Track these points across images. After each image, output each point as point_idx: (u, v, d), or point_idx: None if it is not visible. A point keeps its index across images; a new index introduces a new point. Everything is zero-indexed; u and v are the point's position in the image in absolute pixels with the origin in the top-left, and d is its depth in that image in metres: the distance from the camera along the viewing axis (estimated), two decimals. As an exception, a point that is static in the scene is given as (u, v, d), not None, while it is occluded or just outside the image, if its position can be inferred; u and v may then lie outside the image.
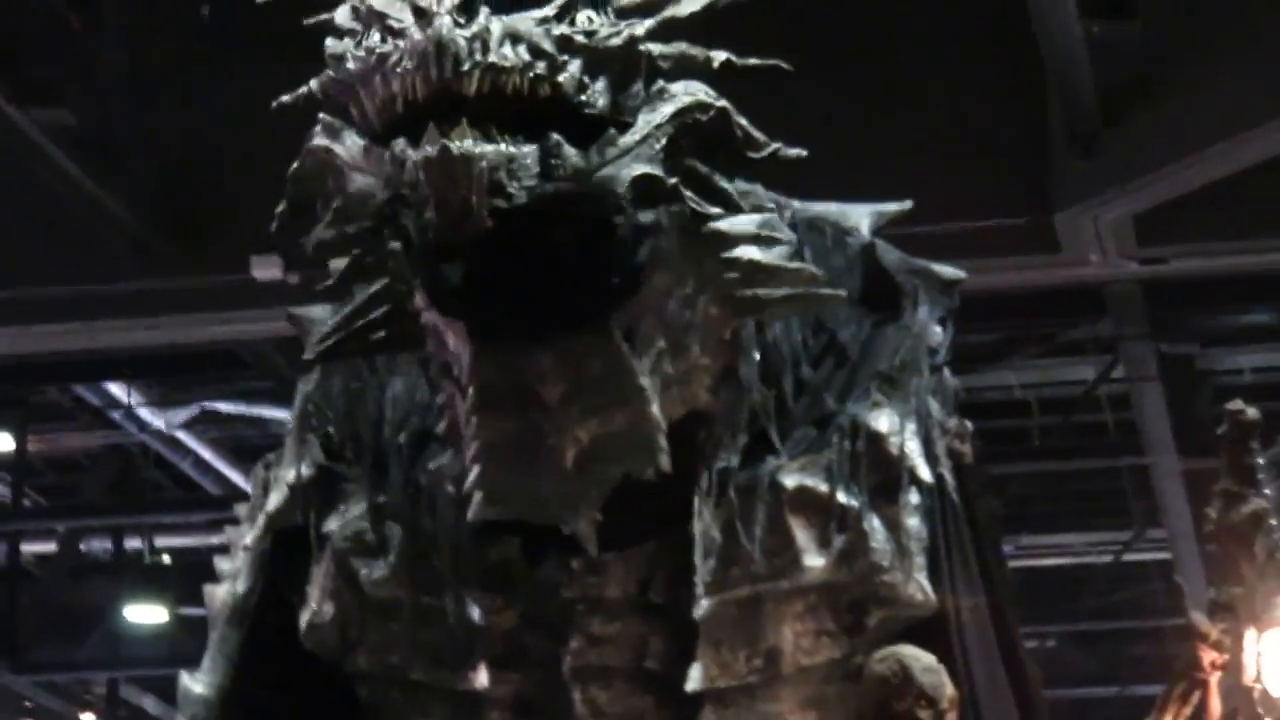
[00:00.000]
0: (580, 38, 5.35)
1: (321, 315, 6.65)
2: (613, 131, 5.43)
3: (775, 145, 5.89)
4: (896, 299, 6.79)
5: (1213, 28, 12.44)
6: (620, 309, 5.64)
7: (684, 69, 5.74)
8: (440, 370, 5.76)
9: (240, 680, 6.71)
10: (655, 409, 5.81)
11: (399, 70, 5.22)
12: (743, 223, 5.98)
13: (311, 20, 6.11)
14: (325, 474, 6.58)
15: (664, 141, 5.55)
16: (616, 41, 5.45)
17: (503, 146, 5.18)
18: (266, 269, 13.42)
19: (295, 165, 5.62)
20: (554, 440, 5.73)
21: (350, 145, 5.45)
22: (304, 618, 6.45)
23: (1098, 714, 20.27)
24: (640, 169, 5.39)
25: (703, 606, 6.25)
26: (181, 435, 18.94)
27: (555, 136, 5.24)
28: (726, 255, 5.88)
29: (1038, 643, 17.60)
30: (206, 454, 19.13)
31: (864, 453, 6.40)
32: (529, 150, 5.22)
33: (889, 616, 6.30)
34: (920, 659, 5.90)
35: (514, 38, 5.23)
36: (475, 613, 6.40)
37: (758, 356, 6.37)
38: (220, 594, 6.86)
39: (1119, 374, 16.91)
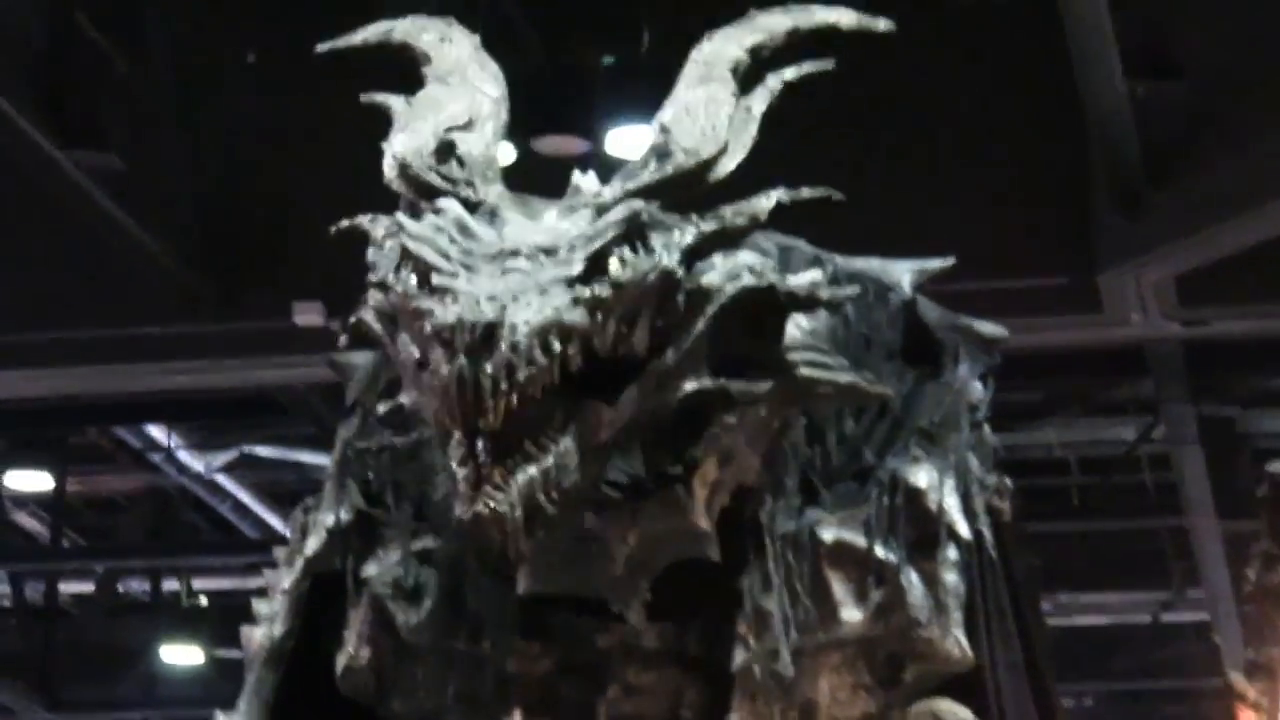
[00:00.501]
0: (611, 293, 5.44)
1: (363, 361, 6.79)
2: (654, 364, 5.61)
3: (819, 296, 6.04)
4: (937, 355, 6.84)
5: (1259, 88, 12.50)
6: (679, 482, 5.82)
7: (729, 239, 5.82)
8: None
9: None
10: (705, 521, 5.99)
11: (435, 326, 5.40)
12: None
13: (331, 46, 6.54)
14: (364, 519, 6.57)
15: (706, 347, 5.70)
16: (653, 280, 5.53)
17: (533, 471, 5.30)
18: (308, 315, 13.50)
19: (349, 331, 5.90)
20: (604, 540, 5.93)
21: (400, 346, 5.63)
22: (340, 662, 6.45)
23: None
24: (689, 387, 5.60)
25: (740, 658, 6.20)
26: (220, 479, 19.00)
27: (592, 407, 5.48)
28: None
29: (1075, 702, 17.58)
30: (245, 497, 19.36)
31: (902, 508, 6.42)
32: (566, 449, 5.39)
33: (926, 671, 6.34)
34: (957, 714, 5.98)
35: (543, 332, 5.27)
36: (511, 661, 6.37)
37: (803, 421, 6.41)
38: (257, 636, 6.89)
39: (1159, 435, 17.02)
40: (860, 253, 6.82)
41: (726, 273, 5.75)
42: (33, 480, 19.58)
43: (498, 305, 5.27)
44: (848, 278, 6.63)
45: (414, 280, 5.47)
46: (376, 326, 5.80)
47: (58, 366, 15.55)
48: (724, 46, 6.18)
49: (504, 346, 5.20)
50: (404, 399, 5.90)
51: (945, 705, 6.01)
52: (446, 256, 5.49)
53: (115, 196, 13.90)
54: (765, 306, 5.90)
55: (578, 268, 5.42)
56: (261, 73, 13.93)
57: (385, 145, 5.93)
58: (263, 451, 18.58)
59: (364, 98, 6.20)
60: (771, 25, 6.17)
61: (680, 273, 5.63)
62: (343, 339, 6.53)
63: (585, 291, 5.38)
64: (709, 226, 5.74)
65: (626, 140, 12.56)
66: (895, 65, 11.67)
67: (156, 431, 18.64)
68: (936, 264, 6.88)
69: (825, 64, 6.02)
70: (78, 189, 13.73)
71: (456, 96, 6.30)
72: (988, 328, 6.88)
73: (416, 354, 5.46)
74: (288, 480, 18.46)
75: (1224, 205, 12.71)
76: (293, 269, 13.96)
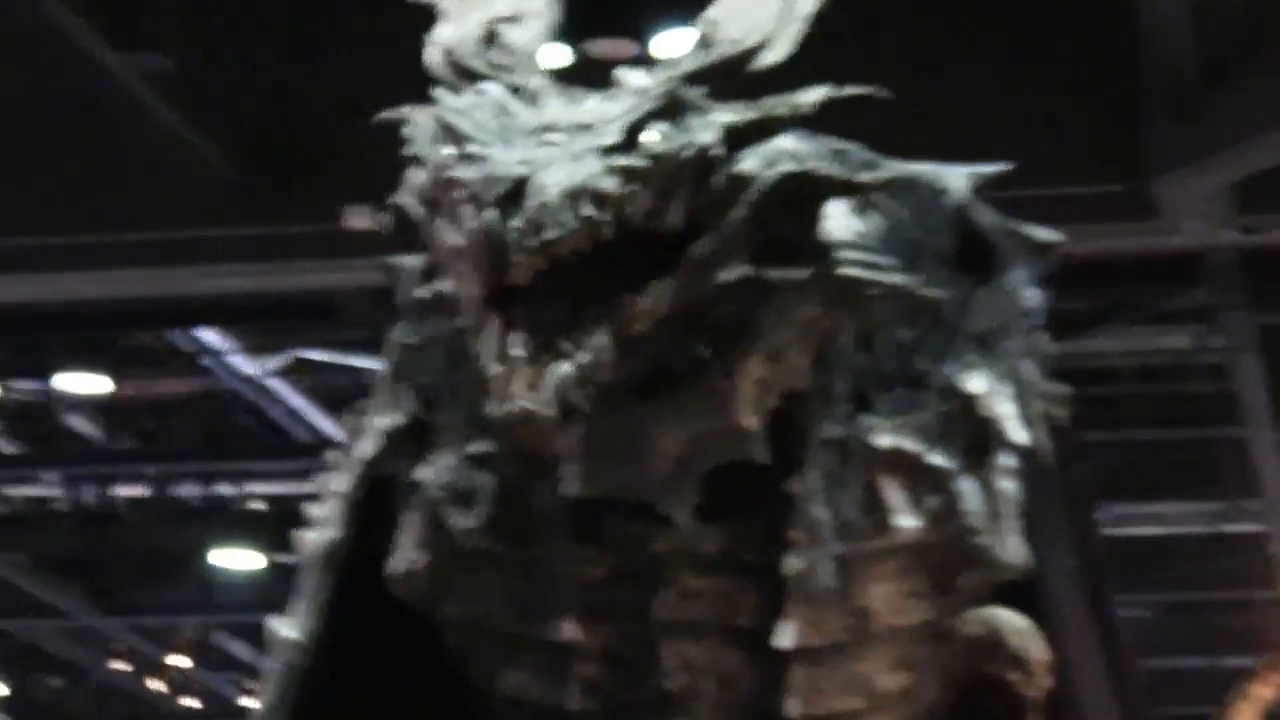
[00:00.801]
0: (645, 163, 5.52)
1: (415, 264, 6.71)
2: (691, 250, 5.69)
3: (864, 181, 6.08)
4: (992, 261, 6.78)
5: None
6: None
7: (770, 129, 5.86)
8: None
9: (330, 626, 6.79)
10: (752, 420, 6.04)
11: (466, 232, 5.54)
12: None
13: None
14: (419, 422, 6.60)
15: (745, 235, 5.79)
16: (688, 154, 5.63)
17: (566, 367, 5.47)
18: (359, 218, 13.61)
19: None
20: (648, 440, 6.02)
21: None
22: (392, 566, 6.48)
23: (1190, 684, 20.42)
24: (727, 276, 5.72)
25: (792, 564, 6.24)
26: (273, 383, 19.07)
27: (627, 299, 5.56)
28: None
29: (1129, 612, 17.73)
30: (297, 401, 19.35)
31: (958, 414, 6.30)
32: (600, 343, 5.55)
33: (981, 579, 6.27)
34: (1013, 622, 5.92)
35: (573, 195, 5.37)
36: (565, 565, 6.30)
37: (854, 327, 6.48)
38: (311, 540, 6.93)
39: (1216, 344, 16.96)
40: (911, 159, 6.78)
41: (766, 159, 5.89)
42: (87, 383, 19.41)
43: (529, 167, 5.42)
44: (903, 182, 6.71)
45: (452, 150, 5.61)
46: (416, 209, 5.85)
47: (109, 269, 15.63)
48: None
49: (533, 203, 5.37)
50: (444, 286, 6.15)
51: (1002, 613, 6.00)
52: (483, 129, 5.66)
53: (165, 98, 14.23)
54: (808, 195, 6.02)
55: (613, 138, 5.53)
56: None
57: (430, 36, 6.02)
58: (315, 355, 18.69)
59: None
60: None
61: (719, 151, 5.74)
62: (384, 224, 6.31)
63: (619, 160, 5.49)
64: (750, 114, 5.84)
65: (674, 43, 12.58)
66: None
67: (210, 335, 18.48)
68: (992, 169, 6.82)
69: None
70: (128, 91, 14.05)
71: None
72: (1043, 233, 6.81)
73: (453, 232, 5.63)
74: (341, 384, 18.47)
75: (1273, 123, 12.82)
76: (344, 172, 14.11)
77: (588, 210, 5.35)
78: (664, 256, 5.61)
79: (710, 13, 5.90)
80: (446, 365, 6.67)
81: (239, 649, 24.52)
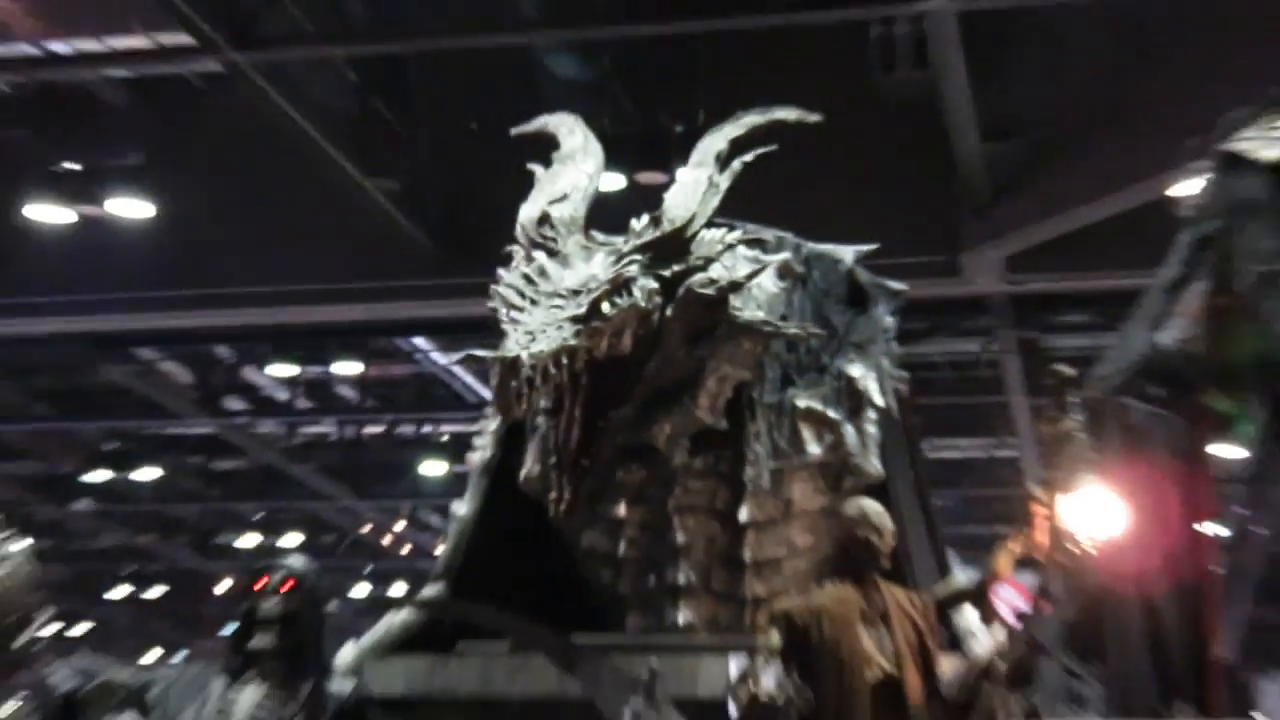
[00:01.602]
0: (601, 324, 5.45)
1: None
2: (648, 368, 5.71)
3: (740, 282, 5.98)
4: (866, 300, 6.86)
5: (1055, 149, 12.65)
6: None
7: (690, 274, 5.87)
8: None
9: (485, 507, 6.95)
10: (710, 415, 6.09)
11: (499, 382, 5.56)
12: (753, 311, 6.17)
13: (516, 131, 7.11)
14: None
15: (680, 343, 5.82)
16: (628, 315, 5.55)
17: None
18: None
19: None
20: (658, 423, 6.04)
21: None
22: (522, 473, 6.54)
23: (976, 545, 19.86)
24: (676, 369, 5.90)
25: (749, 473, 6.33)
26: (455, 369, 18.77)
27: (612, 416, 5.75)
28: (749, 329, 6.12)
29: (940, 500, 17.24)
30: (471, 380, 18.97)
31: (844, 388, 6.51)
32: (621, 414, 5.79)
33: (856, 482, 6.36)
34: (873, 506, 5.78)
35: (551, 356, 5.33)
36: (620, 473, 6.34)
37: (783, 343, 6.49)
38: (475, 458, 7.08)
39: (993, 348, 16.68)
40: (816, 241, 6.94)
41: (690, 285, 5.78)
42: (348, 368, 19.19)
43: (528, 340, 5.37)
44: (814, 255, 6.75)
45: (503, 309, 5.67)
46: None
47: (363, 303, 15.23)
48: (714, 140, 6.33)
49: (523, 372, 5.31)
50: None
51: (867, 501, 5.86)
52: (521, 295, 5.62)
53: (393, 201, 13.92)
54: (713, 301, 5.85)
55: (583, 310, 5.46)
56: (480, 132, 13.77)
57: (520, 209, 6.27)
58: (479, 352, 18.38)
59: (529, 166, 6.64)
60: (748, 122, 6.31)
61: (651, 305, 5.61)
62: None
63: (583, 326, 5.41)
64: (677, 268, 5.74)
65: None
66: (829, 132, 11.78)
67: (419, 340, 18.32)
68: (866, 248, 7.02)
69: (770, 147, 6.28)
70: (372, 201, 13.77)
71: (565, 174, 6.39)
72: (895, 284, 6.99)
73: None
74: None
75: (1035, 215, 12.92)
76: (496, 244, 13.98)
77: (564, 360, 5.31)
78: (633, 359, 5.60)
79: (668, 192, 5.98)
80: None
81: (435, 520, 23.79)
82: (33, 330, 16.23)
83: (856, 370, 6.38)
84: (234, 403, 20.14)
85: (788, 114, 6.43)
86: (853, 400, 6.37)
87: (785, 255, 6.31)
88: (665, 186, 12.77)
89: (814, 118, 6.43)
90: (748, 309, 5.98)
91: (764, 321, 6.07)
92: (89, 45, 13.45)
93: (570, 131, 6.61)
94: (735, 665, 5.46)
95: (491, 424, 6.94)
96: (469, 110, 13.92)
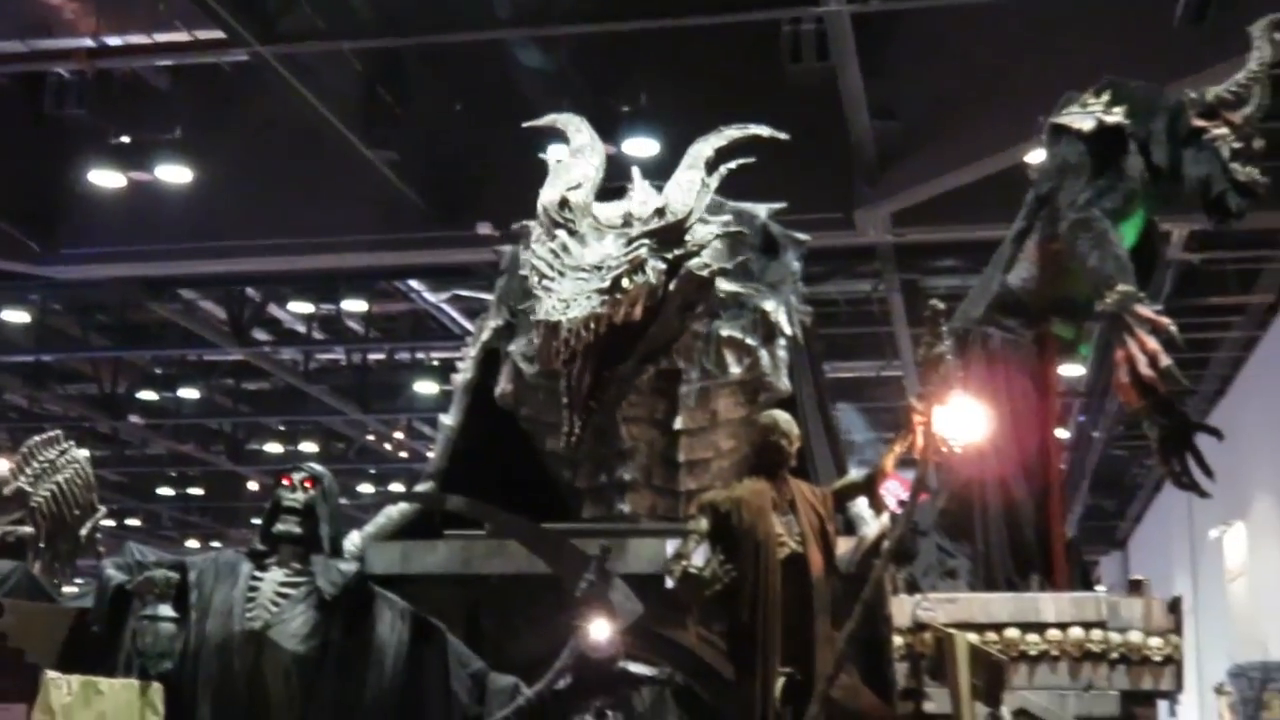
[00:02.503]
0: (621, 296, 5.51)
1: (510, 250, 6.88)
2: (645, 336, 5.79)
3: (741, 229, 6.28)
4: (777, 248, 6.83)
5: (934, 124, 12.77)
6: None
7: (687, 258, 5.92)
8: None
9: (467, 418, 7.05)
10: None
11: (539, 313, 5.58)
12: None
13: (529, 124, 6.90)
14: (508, 323, 6.72)
15: (675, 314, 5.97)
16: (644, 291, 5.61)
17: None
18: (485, 227, 13.41)
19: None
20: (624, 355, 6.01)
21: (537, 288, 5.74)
22: (497, 390, 6.68)
23: (868, 450, 20.01)
24: (667, 332, 6.03)
25: (683, 390, 6.39)
26: (446, 306, 18.72)
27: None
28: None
29: (838, 413, 17.40)
30: (457, 315, 18.91)
31: (760, 320, 6.53)
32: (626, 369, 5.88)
33: (769, 397, 6.42)
34: (783, 415, 5.87)
35: (584, 320, 5.41)
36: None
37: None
38: (459, 379, 7.15)
39: (881, 287, 16.72)
40: (742, 201, 6.86)
41: (690, 267, 5.89)
42: (355, 305, 19.20)
43: (564, 306, 5.45)
44: (737, 212, 6.66)
45: (536, 277, 5.68)
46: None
47: (367, 251, 15.28)
48: (703, 147, 6.32)
49: (562, 333, 5.39)
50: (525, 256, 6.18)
51: (778, 411, 5.95)
52: (550, 267, 5.66)
53: (392, 169, 13.84)
54: (702, 283, 6.09)
55: (606, 283, 5.53)
56: (463, 112, 13.74)
57: (541, 191, 6.11)
58: (465, 293, 18.24)
59: (543, 155, 6.51)
60: (729, 134, 6.29)
61: (658, 281, 5.71)
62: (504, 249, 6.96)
63: (608, 297, 5.51)
64: (678, 251, 5.83)
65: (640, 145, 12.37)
66: (748, 110, 11.73)
67: (413, 282, 18.23)
68: (777, 206, 7.02)
69: (749, 159, 6.29)
70: (376, 171, 13.77)
71: (578, 166, 6.29)
72: (800, 235, 6.97)
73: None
74: (474, 306, 18.18)
75: (914, 179, 13.05)
76: (478, 204, 13.92)
77: (593, 325, 5.41)
78: (638, 324, 5.67)
79: (669, 186, 6.02)
80: (521, 295, 6.49)
81: (427, 430, 23.78)
82: (93, 275, 16.37)
83: (770, 305, 6.41)
84: (260, 334, 19.96)
85: (760, 130, 6.38)
86: (766, 330, 6.41)
87: (742, 228, 6.41)
88: (614, 158, 12.68)
89: (783, 136, 6.40)
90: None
91: (737, 294, 6.31)
92: (138, 39, 13.38)
93: (578, 130, 6.49)
94: (671, 546, 5.52)
95: (472, 351, 6.96)
96: (455, 94, 13.79)
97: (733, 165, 6.18)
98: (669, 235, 5.75)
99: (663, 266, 5.66)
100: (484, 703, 5.63)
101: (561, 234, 5.68)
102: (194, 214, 14.74)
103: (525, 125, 6.89)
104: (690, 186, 5.94)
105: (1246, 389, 20.67)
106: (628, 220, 5.89)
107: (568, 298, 5.38)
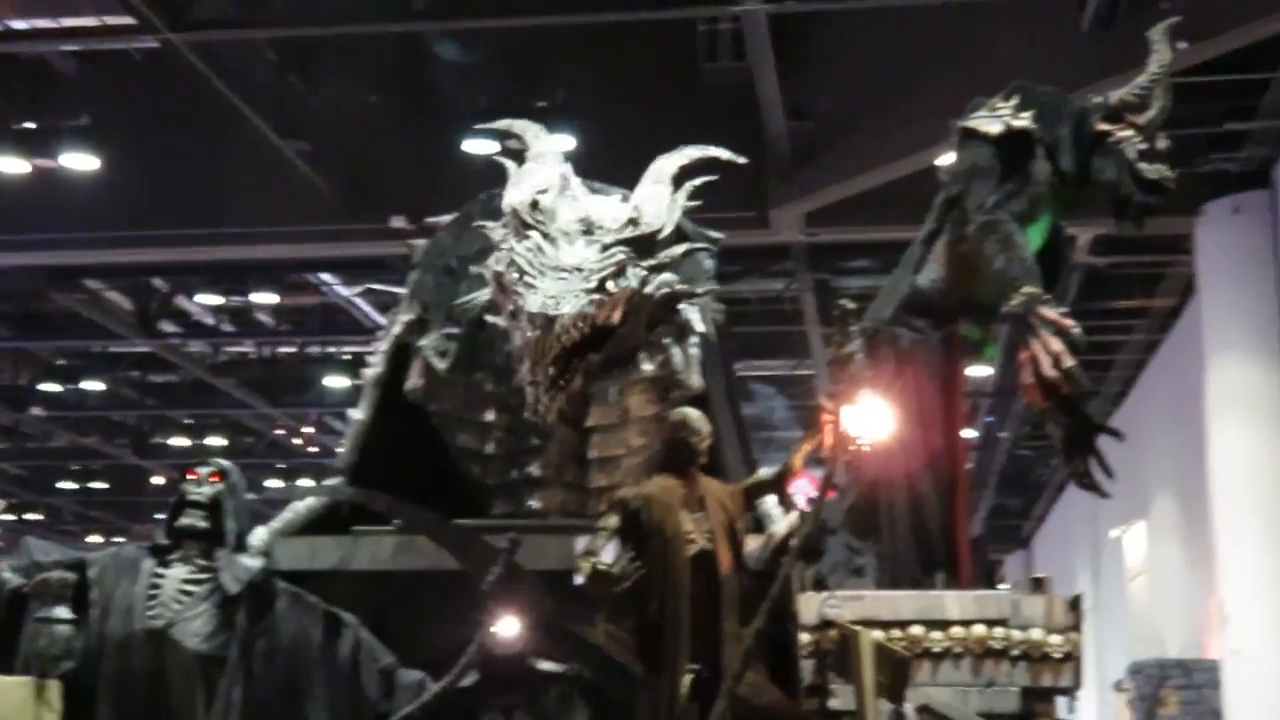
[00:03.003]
0: (606, 299, 5.63)
1: (423, 244, 6.83)
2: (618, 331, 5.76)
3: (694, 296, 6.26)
4: (694, 246, 6.80)
5: (848, 126, 12.93)
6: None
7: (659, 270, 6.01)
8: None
9: (377, 413, 6.93)
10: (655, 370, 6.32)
11: (530, 301, 5.63)
12: None
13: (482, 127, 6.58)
14: (420, 318, 6.63)
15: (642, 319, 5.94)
16: (627, 295, 5.70)
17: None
18: (399, 221, 13.36)
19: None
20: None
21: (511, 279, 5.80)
22: (407, 385, 6.59)
23: (780, 445, 20.22)
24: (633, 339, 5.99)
25: (595, 386, 6.25)
26: (358, 300, 18.59)
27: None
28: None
29: (747, 410, 17.58)
30: (367, 308, 18.79)
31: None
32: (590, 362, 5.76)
33: (681, 395, 6.33)
34: (694, 413, 5.82)
35: (574, 318, 5.54)
36: (488, 383, 6.39)
37: None
38: (369, 373, 7.09)
39: (793, 286, 16.91)
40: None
41: (656, 285, 5.95)
42: (265, 299, 19.16)
43: (554, 303, 5.58)
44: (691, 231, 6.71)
45: (516, 274, 5.75)
46: (495, 283, 5.96)
47: (280, 244, 15.37)
48: (667, 164, 6.39)
49: (556, 328, 5.51)
50: (495, 319, 6.15)
51: (689, 408, 5.88)
52: (531, 265, 5.75)
53: (305, 160, 13.98)
54: (672, 300, 6.11)
55: (592, 285, 5.66)
56: (377, 105, 13.67)
57: (507, 192, 6.12)
58: (377, 286, 18.10)
59: (500, 160, 6.45)
60: (690, 154, 6.36)
61: (636, 288, 5.84)
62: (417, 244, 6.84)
63: (595, 298, 5.63)
64: (651, 261, 5.92)
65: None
66: (665, 107, 11.67)
67: (326, 276, 18.09)
68: (692, 204, 6.92)
69: (712, 178, 6.38)
70: (286, 159, 13.78)
71: (541, 171, 6.28)
72: (714, 234, 6.91)
73: (511, 308, 5.82)
74: (386, 301, 18.05)
75: (828, 180, 13.24)
76: (392, 197, 13.88)
77: (581, 324, 5.54)
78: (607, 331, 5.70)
79: (636, 199, 6.11)
80: (434, 290, 6.54)
81: (338, 424, 23.61)
82: (-4, 263, 16.70)
83: (682, 303, 6.28)
84: (167, 326, 19.77)
85: (720, 153, 6.48)
86: (679, 328, 6.33)
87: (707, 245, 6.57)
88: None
89: (741, 160, 6.51)
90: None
91: (701, 331, 6.45)
92: (44, 23, 13.17)
93: (536, 136, 6.50)
94: (580, 543, 5.50)
95: (383, 345, 6.92)
96: (370, 85, 13.90)
97: (698, 182, 6.26)
98: (643, 245, 5.87)
99: (643, 273, 5.82)
100: (392, 698, 5.60)
101: (535, 235, 5.78)
102: (100, 202, 14.61)
103: (480, 128, 6.87)
104: (660, 201, 6.05)
105: (1148, 391, 21.11)
106: (589, 227, 5.94)
107: (555, 295, 5.52)
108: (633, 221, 5.92)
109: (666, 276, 5.97)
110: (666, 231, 5.98)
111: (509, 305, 5.83)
